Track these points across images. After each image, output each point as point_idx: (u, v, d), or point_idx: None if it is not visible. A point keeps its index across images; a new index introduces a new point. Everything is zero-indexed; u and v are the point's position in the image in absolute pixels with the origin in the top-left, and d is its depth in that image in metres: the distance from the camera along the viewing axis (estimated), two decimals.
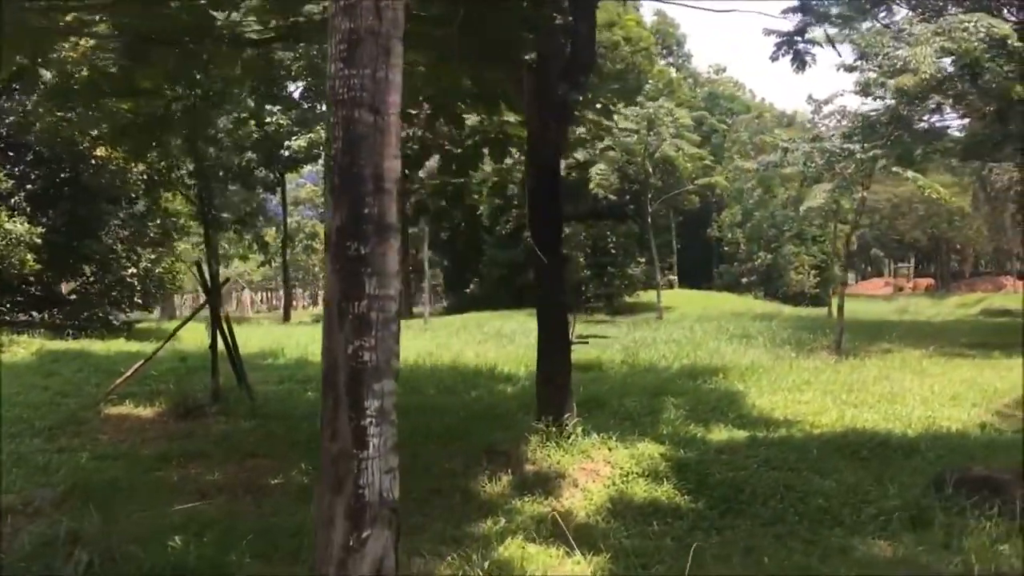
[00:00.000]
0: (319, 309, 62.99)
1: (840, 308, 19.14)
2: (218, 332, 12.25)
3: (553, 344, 10.08)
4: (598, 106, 10.68)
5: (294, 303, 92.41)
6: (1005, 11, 24.16)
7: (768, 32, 12.89)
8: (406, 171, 12.71)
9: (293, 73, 13.06)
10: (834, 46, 10.57)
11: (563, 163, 30.57)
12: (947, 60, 18.37)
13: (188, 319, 13.86)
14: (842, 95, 21.39)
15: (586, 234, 32.51)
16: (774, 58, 11.79)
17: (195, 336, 15.58)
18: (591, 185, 29.09)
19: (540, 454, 9.45)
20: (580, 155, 30.26)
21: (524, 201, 31.54)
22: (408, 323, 29.51)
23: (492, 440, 10.11)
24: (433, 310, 40.58)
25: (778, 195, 33.70)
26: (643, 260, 32.46)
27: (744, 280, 45.55)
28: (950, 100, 19.83)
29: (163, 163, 22.18)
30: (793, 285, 43.69)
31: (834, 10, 10.12)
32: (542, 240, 10.10)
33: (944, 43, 16.63)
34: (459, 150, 14.25)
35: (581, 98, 9.49)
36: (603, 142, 29.26)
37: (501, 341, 22.88)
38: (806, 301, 37.91)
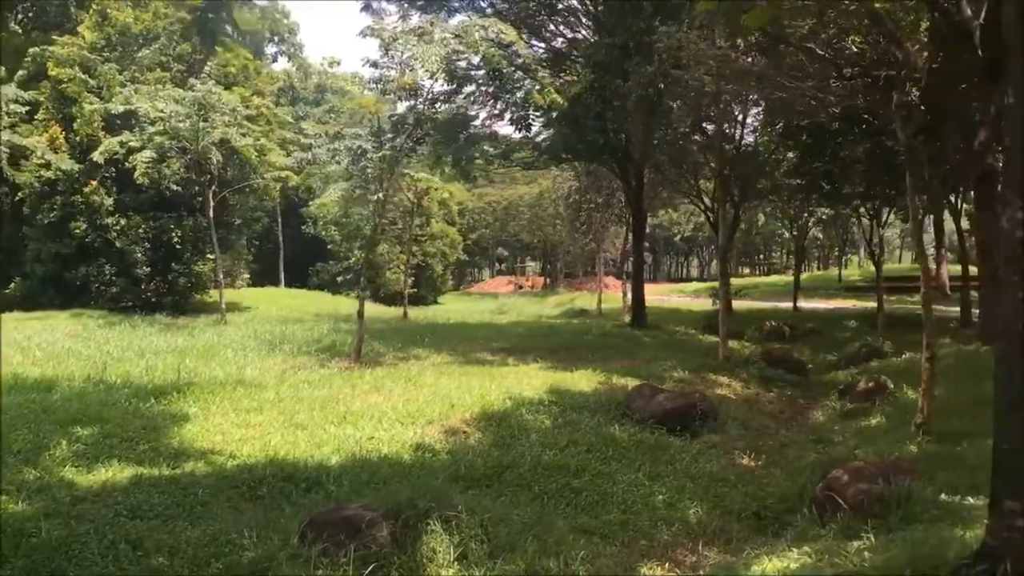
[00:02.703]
0: None
1: (360, 313, 18.26)
2: None
3: None
4: None
5: None
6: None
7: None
8: None
9: None
10: (237, 27, 9.13)
11: (111, 149, 27.36)
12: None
13: None
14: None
15: (146, 227, 29.38)
16: (187, 38, 10.28)
17: None
18: (137, 174, 26.11)
19: None
20: (129, 139, 27.25)
21: (71, 186, 27.49)
22: None
23: None
24: None
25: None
26: (212, 257, 30.04)
27: (340, 279, 44.66)
28: (479, 103, 19.98)
29: None
30: (391, 284, 43.66)
31: None
32: None
33: (457, 45, 16.25)
34: None
35: None
36: (153, 126, 26.54)
37: None
38: (403, 301, 37.68)
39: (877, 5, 16.78)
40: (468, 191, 67.71)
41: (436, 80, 16.06)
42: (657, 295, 52.08)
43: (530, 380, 15.31)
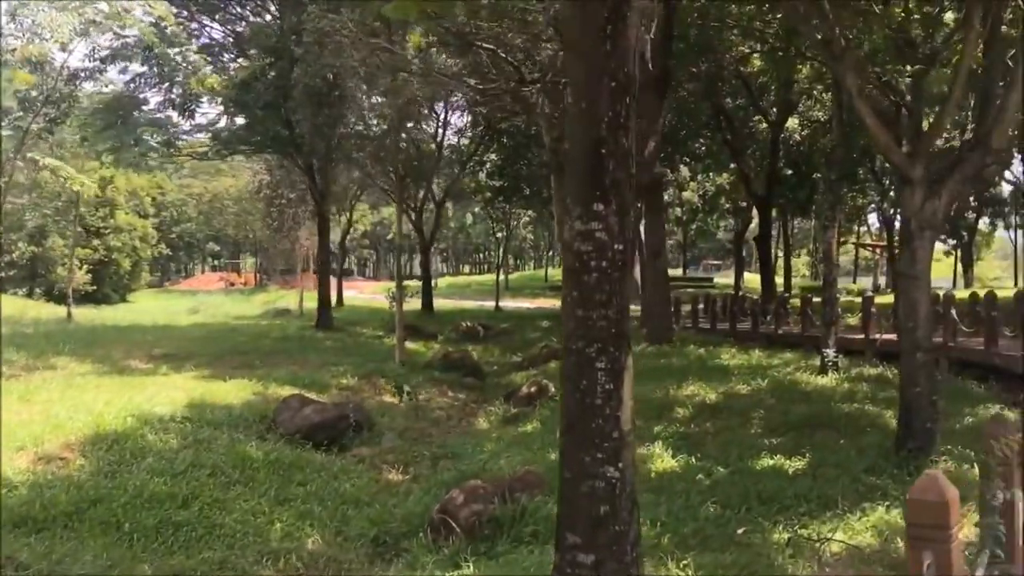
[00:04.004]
0: None
1: None
2: None
3: None
4: None
5: None
6: None
7: None
8: None
9: None
10: None
11: None
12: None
13: None
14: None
15: None
16: None
17: None
18: None
19: None
20: None
21: None
22: None
23: None
24: None
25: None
26: None
27: (2, 275, 39.53)
28: (148, 86, 18.08)
29: None
30: (65, 281, 39.26)
31: None
32: None
33: (95, 15, 14.32)
34: None
35: None
36: None
37: None
38: (79, 300, 33.88)
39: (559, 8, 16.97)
40: (174, 182, 63.04)
41: (70, 52, 14.06)
42: (371, 293, 51.26)
43: (172, 392, 13.75)
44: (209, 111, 21.97)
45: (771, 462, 10.24)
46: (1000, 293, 18.96)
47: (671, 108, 27.46)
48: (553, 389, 15.13)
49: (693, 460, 10.55)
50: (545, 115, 12.89)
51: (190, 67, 15.93)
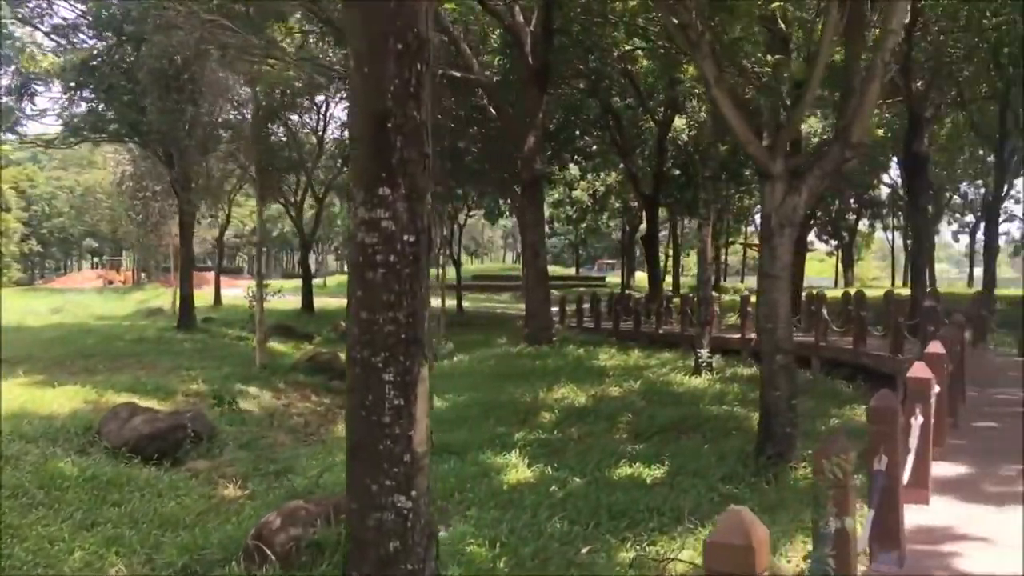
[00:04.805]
0: None
1: None
2: None
3: None
4: None
5: None
6: None
7: None
8: None
9: None
10: None
11: None
12: None
13: None
14: None
15: None
16: None
17: None
18: None
19: None
20: None
21: None
22: None
23: None
24: None
25: None
26: None
27: None
28: None
29: None
30: None
31: None
32: None
33: None
34: None
35: None
36: None
37: None
38: None
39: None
40: (44, 173, 59.53)
41: None
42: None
43: None
44: (62, 96, 20.20)
45: (630, 471, 9.72)
46: (876, 293, 19.14)
47: (558, 105, 27.03)
48: None
49: (550, 470, 9.91)
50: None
51: (19, 46, 14.45)
